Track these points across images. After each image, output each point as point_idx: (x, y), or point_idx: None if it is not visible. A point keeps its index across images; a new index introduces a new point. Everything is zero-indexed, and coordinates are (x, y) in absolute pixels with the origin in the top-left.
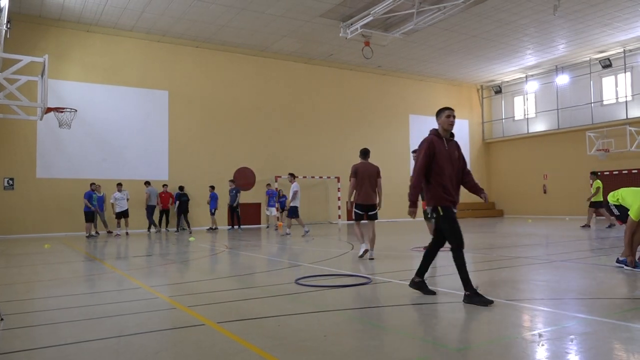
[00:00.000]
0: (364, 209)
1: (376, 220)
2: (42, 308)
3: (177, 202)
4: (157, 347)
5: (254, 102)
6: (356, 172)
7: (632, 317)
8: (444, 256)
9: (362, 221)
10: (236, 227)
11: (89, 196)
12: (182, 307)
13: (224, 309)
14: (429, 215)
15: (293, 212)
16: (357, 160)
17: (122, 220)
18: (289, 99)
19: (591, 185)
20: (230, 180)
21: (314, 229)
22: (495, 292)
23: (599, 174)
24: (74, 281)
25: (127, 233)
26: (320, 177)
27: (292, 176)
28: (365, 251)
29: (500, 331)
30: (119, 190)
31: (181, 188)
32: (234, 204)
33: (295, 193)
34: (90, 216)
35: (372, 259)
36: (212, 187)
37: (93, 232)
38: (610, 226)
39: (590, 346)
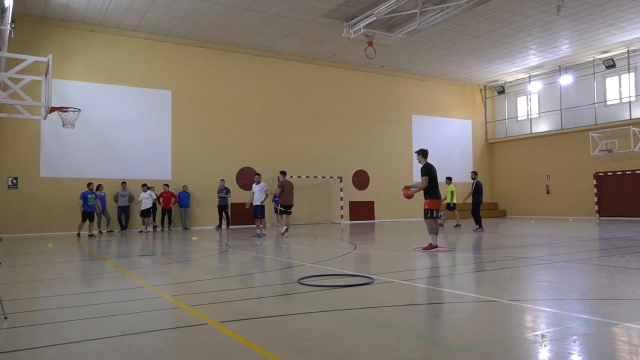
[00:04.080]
0: (287, 207)
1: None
2: (46, 307)
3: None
4: (160, 346)
5: (256, 102)
6: (283, 186)
7: (635, 318)
8: (445, 256)
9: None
10: (224, 227)
11: (84, 197)
12: (185, 307)
13: (227, 309)
14: (428, 215)
15: (261, 212)
16: (359, 160)
17: (147, 219)
18: (291, 99)
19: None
20: (221, 180)
21: (316, 229)
22: (498, 293)
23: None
24: (77, 280)
25: (148, 231)
26: (323, 177)
27: (260, 175)
28: (286, 230)
29: (503, 332)
30: (144, 191)
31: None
32: (224, 204)
33: (267, 191)
34: (87, 215)
35: (287, 237)
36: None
37: (95, 232)
38: (457, 226)
39: (593, 347)
